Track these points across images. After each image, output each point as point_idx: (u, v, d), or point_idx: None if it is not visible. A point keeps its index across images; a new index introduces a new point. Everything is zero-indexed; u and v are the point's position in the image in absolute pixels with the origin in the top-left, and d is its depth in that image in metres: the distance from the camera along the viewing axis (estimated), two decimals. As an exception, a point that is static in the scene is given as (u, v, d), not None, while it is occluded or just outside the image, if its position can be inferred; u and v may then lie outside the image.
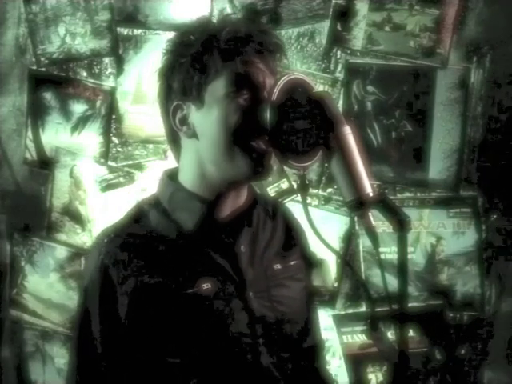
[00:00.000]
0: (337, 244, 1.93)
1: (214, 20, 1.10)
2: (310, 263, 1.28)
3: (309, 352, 1.17)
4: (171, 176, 1.09)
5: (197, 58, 1.00)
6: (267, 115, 0.94)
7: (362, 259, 1.94)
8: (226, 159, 1.00)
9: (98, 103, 1.95)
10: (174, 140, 1.08)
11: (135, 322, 0.98)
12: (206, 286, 1.00)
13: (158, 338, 0.98)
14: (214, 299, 1.00)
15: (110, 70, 1.95)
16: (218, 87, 0.99)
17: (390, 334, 1.64)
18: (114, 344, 0.99)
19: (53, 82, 1.96)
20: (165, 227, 1.04)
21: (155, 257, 1.01)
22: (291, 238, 1.18)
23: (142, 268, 0.99)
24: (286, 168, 0.99)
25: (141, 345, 0.99)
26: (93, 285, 1.01)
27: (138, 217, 1.06)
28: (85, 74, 1.95)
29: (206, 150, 1.02)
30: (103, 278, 0.99)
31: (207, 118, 1.00)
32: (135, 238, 1.02)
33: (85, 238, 1.97)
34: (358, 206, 0.88)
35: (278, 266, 1.11)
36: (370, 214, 0.89)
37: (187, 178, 1.06)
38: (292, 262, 1.14)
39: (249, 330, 1.03)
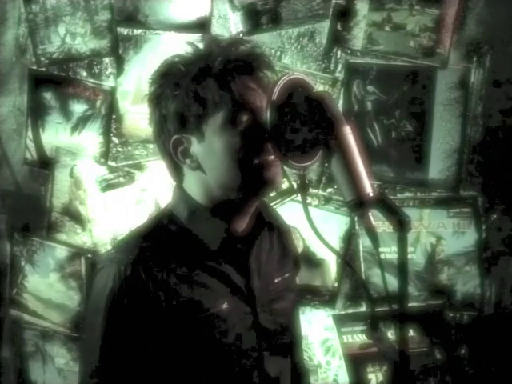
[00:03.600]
0: (337, 244, 1.93)
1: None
2: (298, 264, 1.29)
3: (295, 349, 1.20)
4: (184, 190, 1.07)
5: (192, 90, 0.98)
6: (267, 115, 0.94)
7: (362, 259, 1.94)
8: (237, 183, 1.00)
9: (98, 103, 1.95)
10: (175, 169, 1.07)
11: (157, 337, 0.97)
12: (224, 305, 1.01)
13: (175, 353, 0.99)
14: (230, 318, 1.01)
15: (110, 70, 1.95)
16: (217, 118, 0.98)
17: (390, 334, 1.64)
18: (139, 358, 0.98)
19: (53, 82, 1.96)
20: (184, 244, 1.03)
21: (178, 275, 1.00)
22: (284, 245, 1.20)
23: (166, 287, 0.98)
24: (286, 168, 0.98)
25: (159, 358, 0.98)
26: (123, 301, 0.97)
27: (156, 232, 1.05)
28: (85, 74, 1.95)
29: (213, 180, 1.01)
30: (134, 296, 0.97)
31: (211, 151, 1.00)
32: (158, 255, 1.00)
33: (85, 238, 1.97)
34: (358, 205, 0.88)
35: (277, 279, 1.13)
36: (370, 214, 0.89)
37: (199, 198, 1.05)
38: (287, 274, 1.16)
39: (256, 344, 1.05)
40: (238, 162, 0.98)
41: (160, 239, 1.03)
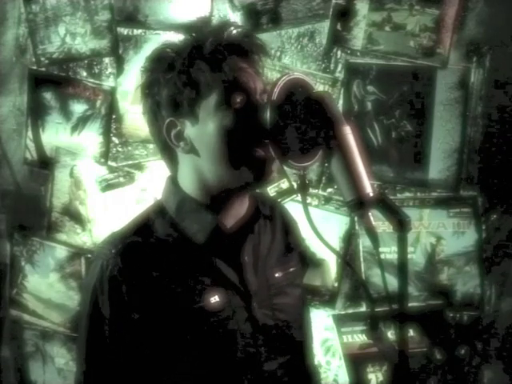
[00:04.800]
0: (337, 244, 1.93)
1: (212, 21, 1.08)
2: (306, 261, 1.28)
3: (300, 347, 1.17)
4: (175, 182, 1.07)
5: (184, 72, 0.98)
6: (267, 115, 0.93)
7: (362, 259, 1.94)
8: (228, 170, 0.99)
9: (98, 103, 1.95)
10: (170, 155, 1.07)
11: (143, 333, 0.98)
12: (213, 299, 1.00)
13: (165, 349, 0.98)
14: (221, 312, 1.01)
15: (110, 70, 1.95)
16: (211, 100, 0.98)
17: (390, 334, 1.64)
18: (123, 352, 0.99)
19: (53, 82, 1.96)
20: (173, 237, 1.03)
21: (164, 269, 1.00)
22: (289, 240, 1.19)
23: (151, 280, 0.98)
24: (286, 168, 0.98)
25: (148, 354, 0.98)
26: (102, 296, 0.98)
27: (144, 226, 1.05)
28: (85, 74, 1.95)
29: (207, 163, 1.01)
30: (112, 290, 0.98)
31: (204, 133, 0.99)
32: (143, 249, 1.01)
33: (85, 238, 1.97)
34: (358, 205, 0.88)
35: (278, 274, 1.12)
36: (370, 214, 0.89)
37: (190, 188, 1.05)
38: (291, 269, 1.15)
39: (252, 340, 1.03)
40: (231, 143, 0.98)
41: (147, 233, 1.03)
